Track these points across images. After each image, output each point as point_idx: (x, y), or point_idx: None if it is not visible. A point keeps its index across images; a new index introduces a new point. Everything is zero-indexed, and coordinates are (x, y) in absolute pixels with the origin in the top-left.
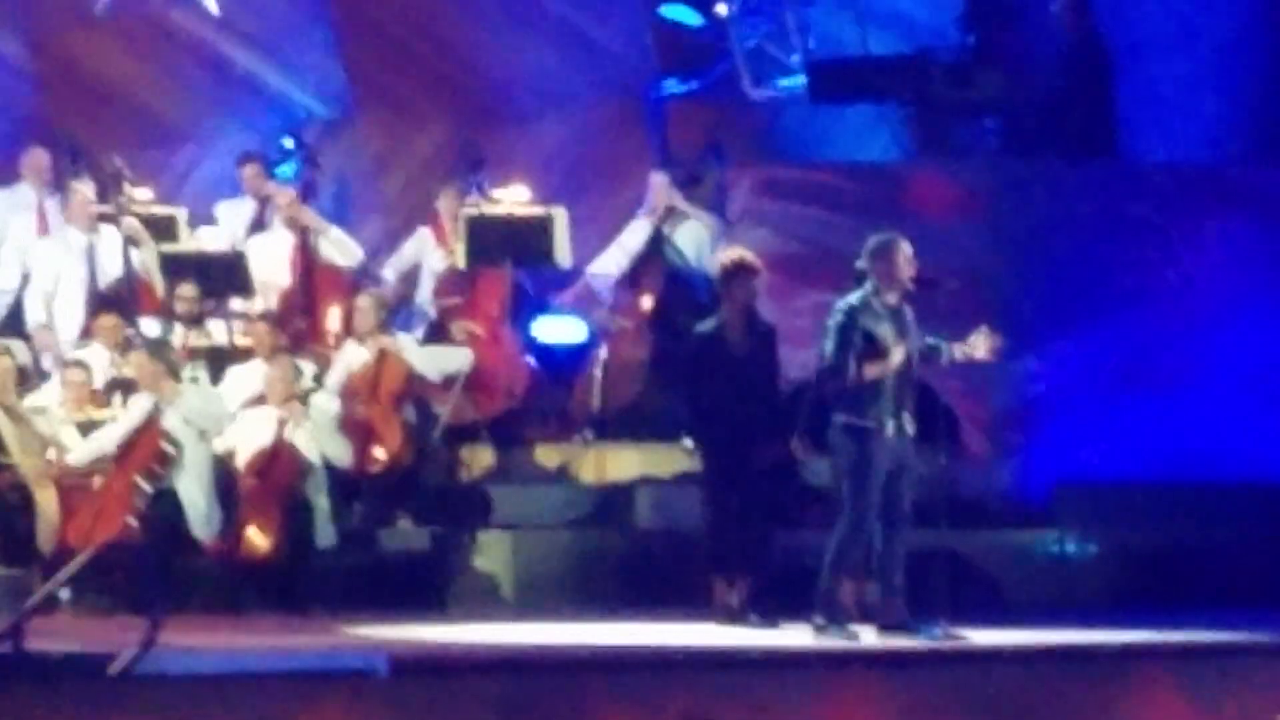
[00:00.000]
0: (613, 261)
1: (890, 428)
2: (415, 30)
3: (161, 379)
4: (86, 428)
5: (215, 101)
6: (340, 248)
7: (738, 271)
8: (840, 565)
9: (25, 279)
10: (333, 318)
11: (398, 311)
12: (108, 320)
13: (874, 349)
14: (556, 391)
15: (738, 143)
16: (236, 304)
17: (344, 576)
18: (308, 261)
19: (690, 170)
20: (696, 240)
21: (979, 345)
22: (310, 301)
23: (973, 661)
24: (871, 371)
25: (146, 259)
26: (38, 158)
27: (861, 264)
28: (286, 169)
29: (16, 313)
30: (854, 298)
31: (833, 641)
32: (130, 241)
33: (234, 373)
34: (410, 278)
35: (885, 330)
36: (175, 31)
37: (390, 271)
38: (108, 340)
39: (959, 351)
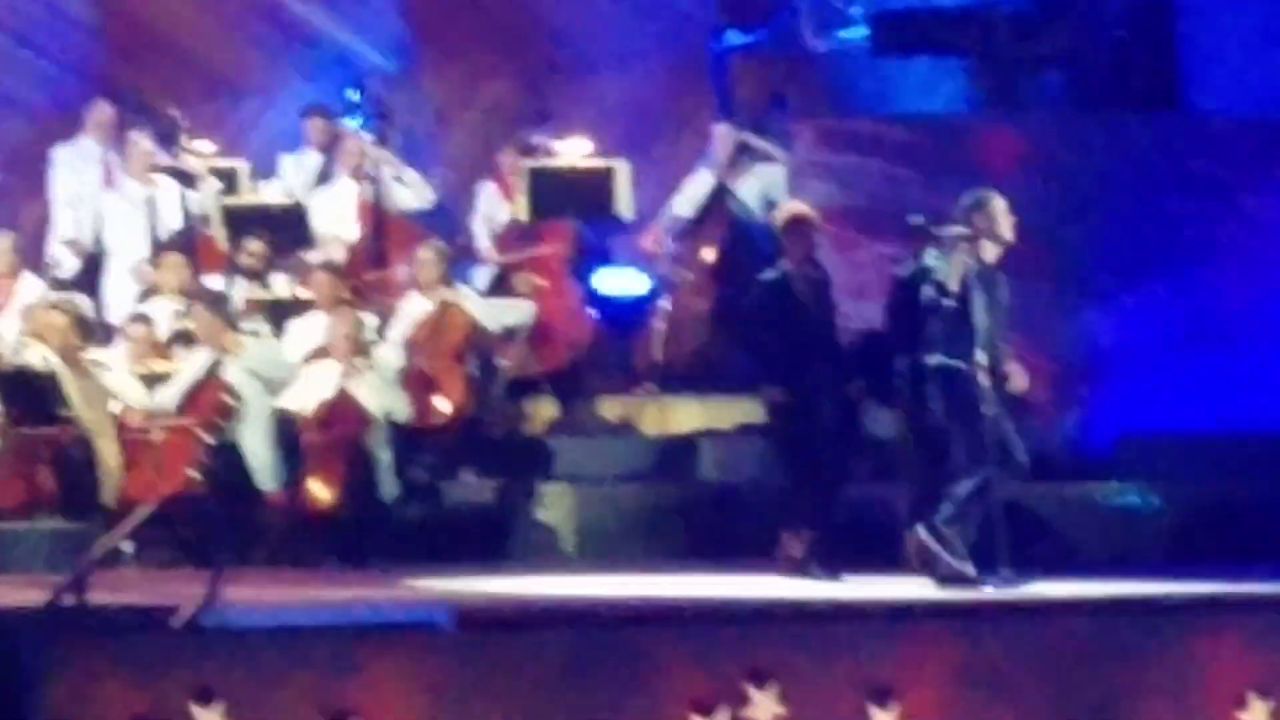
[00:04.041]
0: (674, 210)
1: (983, 374)
2: None
3: (221, 332)
4: (150, 380)
5: (276, 54)
6: (414, 190)
7: (796, 225)
8: (964, 515)
9: (97, 232)
10: (404, 270)
11: (459, 263)
12: (173, 258)
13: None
14: (619, 344)
15: (800, 95)
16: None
17: (407, 529)
18: (379, 213)
19: (753, 122)
20: (762, 189)
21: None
22: (381, 253)
23: (1036, 613)
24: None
25: (208, 207)
26: (102, 111)
27: (949, 228)
28: (353, 121)
29: (89, 266)
30: (931, 257)
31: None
32: (189, 182)
33: (295, 326)
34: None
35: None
36: None
37: (481, 228)
38: (173, 279)
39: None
